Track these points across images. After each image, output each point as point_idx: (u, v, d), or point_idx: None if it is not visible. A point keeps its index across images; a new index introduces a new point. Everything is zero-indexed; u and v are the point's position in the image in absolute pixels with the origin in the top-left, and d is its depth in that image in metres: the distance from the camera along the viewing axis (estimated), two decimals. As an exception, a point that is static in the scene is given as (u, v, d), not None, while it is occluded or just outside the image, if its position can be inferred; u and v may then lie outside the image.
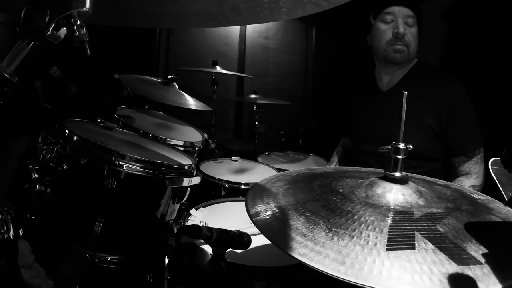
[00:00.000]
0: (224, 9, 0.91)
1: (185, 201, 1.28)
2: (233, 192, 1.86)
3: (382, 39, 1.63)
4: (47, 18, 0.66)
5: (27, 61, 0.69)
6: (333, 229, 0.72)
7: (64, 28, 0.68)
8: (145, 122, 1.84)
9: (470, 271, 0.63)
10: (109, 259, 1.14)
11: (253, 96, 3.02)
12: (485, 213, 0.83)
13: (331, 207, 0.80)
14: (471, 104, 1.57)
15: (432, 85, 1.59)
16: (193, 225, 0.99)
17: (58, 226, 1.16)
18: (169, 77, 2.09)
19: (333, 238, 0.70)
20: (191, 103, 2.06)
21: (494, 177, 1.07)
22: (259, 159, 2.53)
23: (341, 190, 0.88)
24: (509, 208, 0.87)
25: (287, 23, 3.97)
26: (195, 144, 1.78)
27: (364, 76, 1.84)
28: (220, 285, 1.01)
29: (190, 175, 1.26)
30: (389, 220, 0.74)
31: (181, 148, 1.65)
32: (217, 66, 2.74)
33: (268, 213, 0.81)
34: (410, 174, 0.93)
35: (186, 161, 1.38)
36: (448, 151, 1.61)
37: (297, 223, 0.75)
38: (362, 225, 0.73)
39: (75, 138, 1.13)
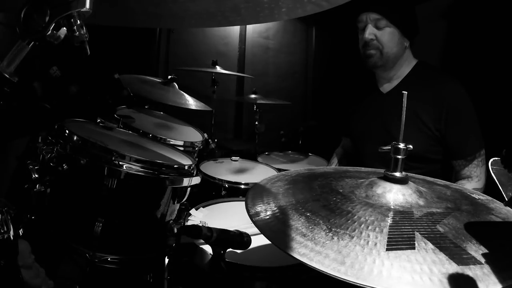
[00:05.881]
0: (224, 9, 0.91)
1: (185, 201, 1.28)
2: (233, 192, 1.86)
3: (360, 46, 1.67)
4: (47, 18, 0.66)
5: (27, 61, 0.69)
6: (333, 229, 0.72)
7: (64, 28, 0.68)
8: (145, 122, 1.84)
9: (470, 271, 0.63)
10: (109, 259, 1.14)
11: (253, 96, 3.01)
12: (485, 213, 0.83)
13: (331, 207, 0.80)
14: (472, 106, 1.55)
15: (431, 87, 1.58)
16: (193, 225, 0.99)
17: (58, 226, 1.16)
18: (169, 77, 2.09)
19: (333, 238, 0.70)
20: (191, 103, 2.05)
21: (494, 177, 1.07)
22: (259, 159, 2.53)
23: (341, 190, 0.88)
24: (509, 208, 0.87)
25: (287, 23, 3.97)
26: (195, 144, 1.78)
27: (366, 78, 1.84)
28: (220, 285, 1.01)
29: (190, 175, 1.26)
30: (389, 220, 0.75)
31: (181, 148, 1.65)
32: (217, 66, 2.73)
33: (268, 213, 0.81)
34: (410, 174, 0.93)
35: (186, 161, 1.38)
36: (448, 154, 1.60)
37: (297, 223, 0.75)
38: (362, 225, 0.73)
39: (75, 138, 1.13)
